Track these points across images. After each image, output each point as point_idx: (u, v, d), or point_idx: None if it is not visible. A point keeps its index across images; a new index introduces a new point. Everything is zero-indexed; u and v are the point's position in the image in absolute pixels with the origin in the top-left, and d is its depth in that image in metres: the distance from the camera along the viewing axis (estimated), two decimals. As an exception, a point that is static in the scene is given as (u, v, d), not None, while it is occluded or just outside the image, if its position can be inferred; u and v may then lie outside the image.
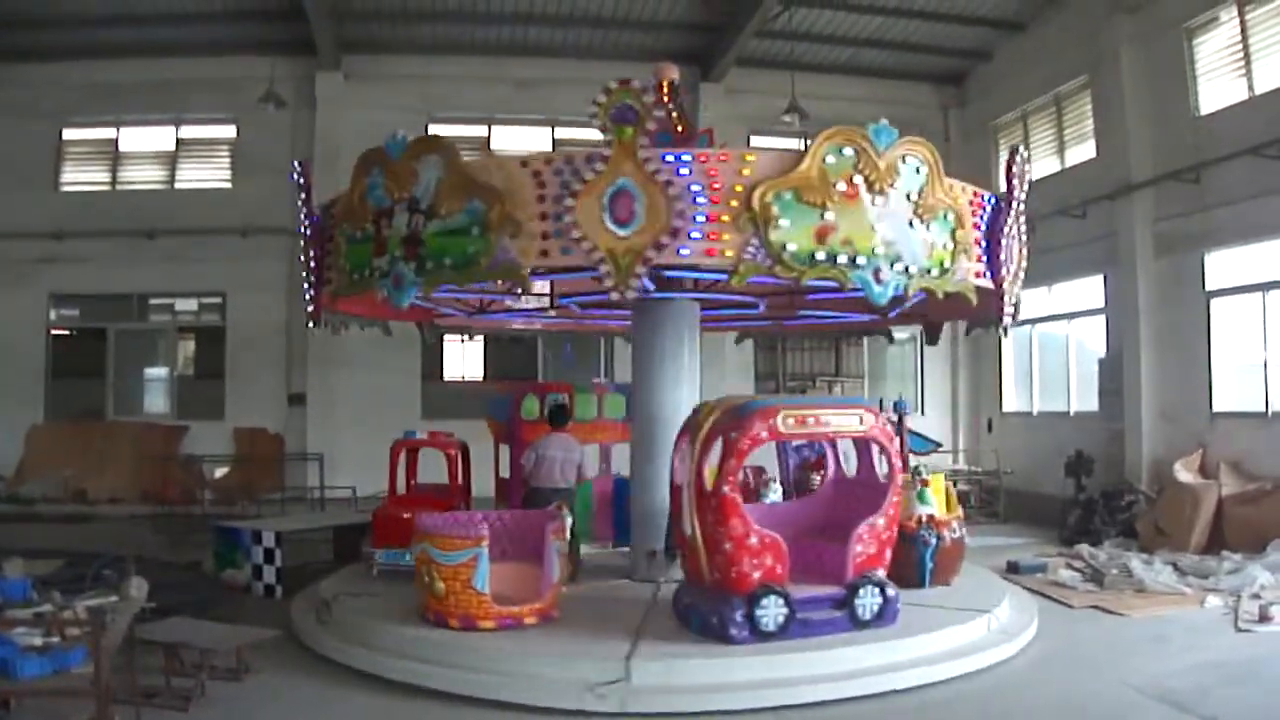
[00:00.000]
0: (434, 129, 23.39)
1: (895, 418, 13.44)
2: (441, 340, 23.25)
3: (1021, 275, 12.15)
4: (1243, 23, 16.89)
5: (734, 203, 9.34)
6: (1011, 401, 23.66)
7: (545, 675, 8.76)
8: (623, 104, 9.47)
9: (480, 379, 24.17)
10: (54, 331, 23.80)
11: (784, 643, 9.16)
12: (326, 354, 21.55)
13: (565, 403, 13.84)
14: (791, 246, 9.35)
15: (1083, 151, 21.01)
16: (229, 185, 23.72)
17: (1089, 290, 20.66)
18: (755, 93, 23.06)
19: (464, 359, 24.47)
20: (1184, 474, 16.41)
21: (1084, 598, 12.68)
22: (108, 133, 23.92)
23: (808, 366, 24.80)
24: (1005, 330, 12.59)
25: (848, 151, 9.55)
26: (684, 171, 9.34)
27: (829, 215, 9.46)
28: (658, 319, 12.26)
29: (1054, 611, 11.94)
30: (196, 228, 22.64)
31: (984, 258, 11.06)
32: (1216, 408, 17.26)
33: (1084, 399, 20.82)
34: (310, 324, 12.52)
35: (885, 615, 9.72)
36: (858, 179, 9.55)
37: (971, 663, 9.47)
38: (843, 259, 9.52)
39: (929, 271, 10.13)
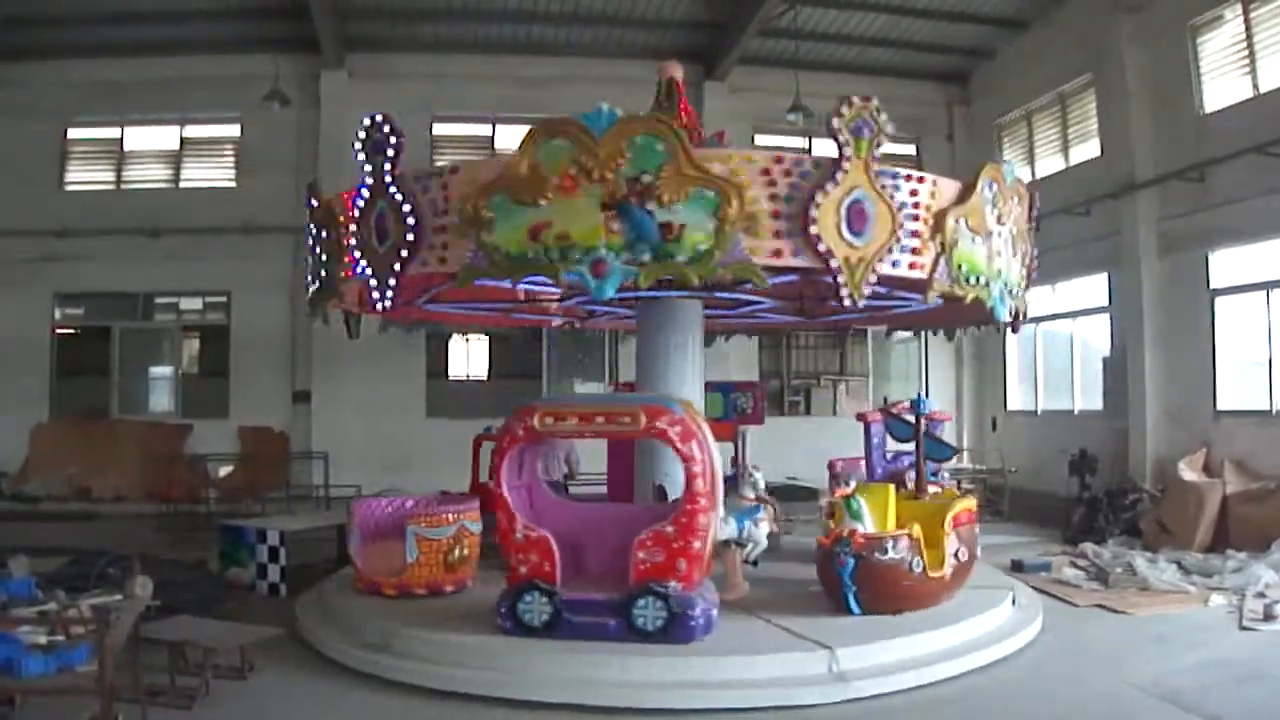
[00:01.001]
0: (438, 127, 23.50)
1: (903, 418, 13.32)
2: (446, 338, 23.30)
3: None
4: (1247, 21, 16.88)
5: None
6: (1016, 400, 23.65)
7: (547, 674, 8.80)
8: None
9: (485, 377, 24.19)
10: (59, 330, 23.80)
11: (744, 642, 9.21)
12: (331, 352, 21.53)
13: None
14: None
15: (1087, 150, 21.01)
16: (233, 184, 23.72)
17: (1093, 289, 20.67)
18: (759, 91, 23.05)
19: (468, 357, 24.45)
20: (1188, 473, 16.40)
21: (1088, 596, 12.68)
22: (112, 132, 23.92)
23: (812, 365, 24.79)
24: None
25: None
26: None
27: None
28: (662, 318, 12.27)
29: (1058, 610, 11.93)
30: (201, 226, 22.64)
31: (789, 232, 9.56)
32: (1221, 406, 17.27)
33: (1088, 398, 20.81)
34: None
35: (678, 629, 9.15)
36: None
37: (975, 660, 9.48)
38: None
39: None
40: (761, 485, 11.94)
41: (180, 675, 8.65)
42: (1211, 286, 17.55)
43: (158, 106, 23.42)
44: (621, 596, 9.26)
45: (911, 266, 9.91)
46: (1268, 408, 16.42)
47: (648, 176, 9.19)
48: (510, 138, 23.62)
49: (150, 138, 24.11)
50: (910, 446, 13.05)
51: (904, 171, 10.09)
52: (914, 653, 9.35)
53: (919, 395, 13.54)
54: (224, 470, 22.23)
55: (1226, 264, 17.41)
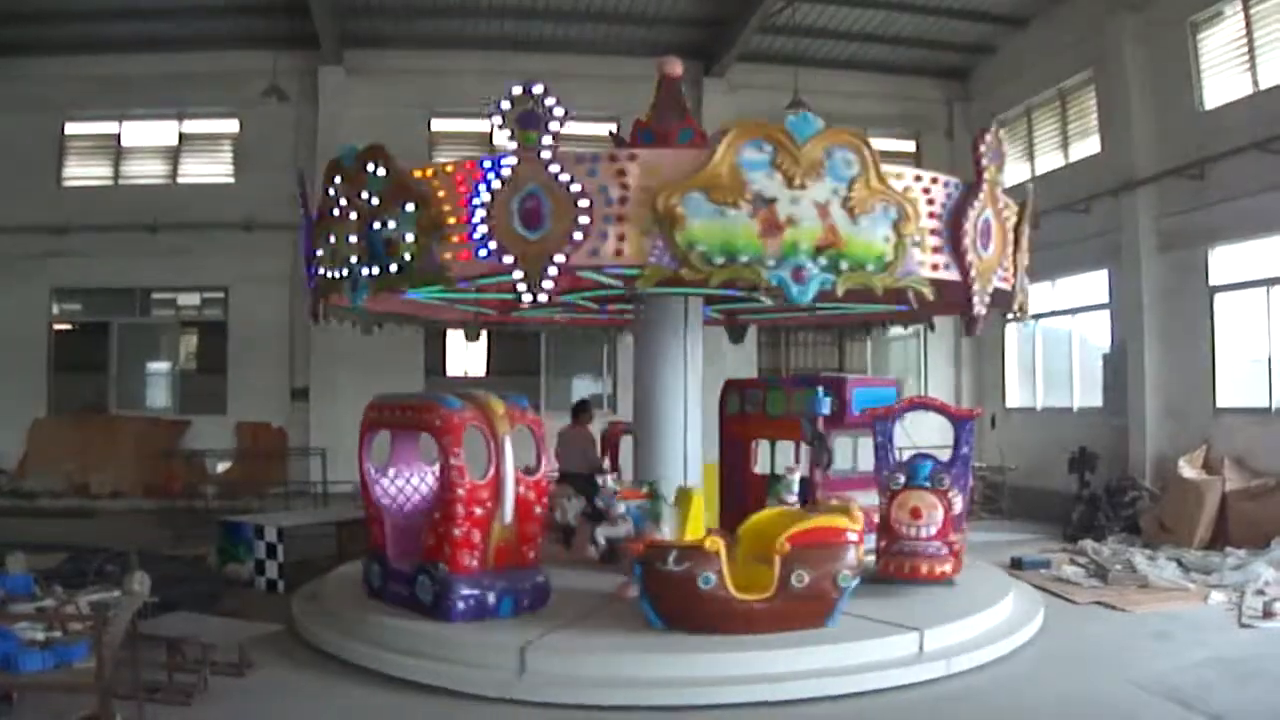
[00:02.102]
0: (436, 123, 23.49)
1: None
2: (444, 335, 23.28)
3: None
4: (1247, 17, 16.86)
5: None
6: (1015, 397, 23.62)
7: (552, 673, 8.79)
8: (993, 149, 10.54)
9: (483, 375, 24.16)
10: (56, 326, 23.81)
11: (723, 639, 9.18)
12: (329, 349, 21.50)
13: (587, 399, 16.48)
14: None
15: (1087, 146, 20.97)
16: (231, 180, 23.71)
17: (1093, 285, 20.63)
18: (758, 88, 22.98)
19: (466, 355, 24.43)
20: (1188, 470, 16.40)
21: (1088, 594, 12.68)
22: (110, 127, 23.91)
23: (811, 361, 24.77)
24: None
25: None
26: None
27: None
28: (660, 314, 12.25)
29: (1058, 607, 11.92)
30: (199, 222, 22.61)
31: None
32: (1220, 403, 17.25)
33: (1088, 394, 20.79)
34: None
35: (440, 607, 9.72)
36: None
37: (975, 658, 9.47)
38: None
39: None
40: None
41: (178, 672, 8.65)
42: (1211, 283, 17.52)
43: (156, 102, 23.43)
44: (411, 571, 10.18)
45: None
46: (1267, 405, 16.39)
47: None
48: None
49: (149, 133, 24.07)
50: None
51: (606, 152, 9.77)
52: (913, 650, 9.35)
53: (818, 393, 13.27)
54: (222, 466, 22.27)
55: (1226, 261, 17.40)
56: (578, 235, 9.10)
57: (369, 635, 9.81)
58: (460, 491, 9.68)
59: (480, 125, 23.78)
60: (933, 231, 9.96)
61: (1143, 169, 18.64)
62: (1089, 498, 17.66)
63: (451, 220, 9.58)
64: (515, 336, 22.57)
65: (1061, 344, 21.88)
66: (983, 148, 10.34)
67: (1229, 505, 15.50)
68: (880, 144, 22.48)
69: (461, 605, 9.67)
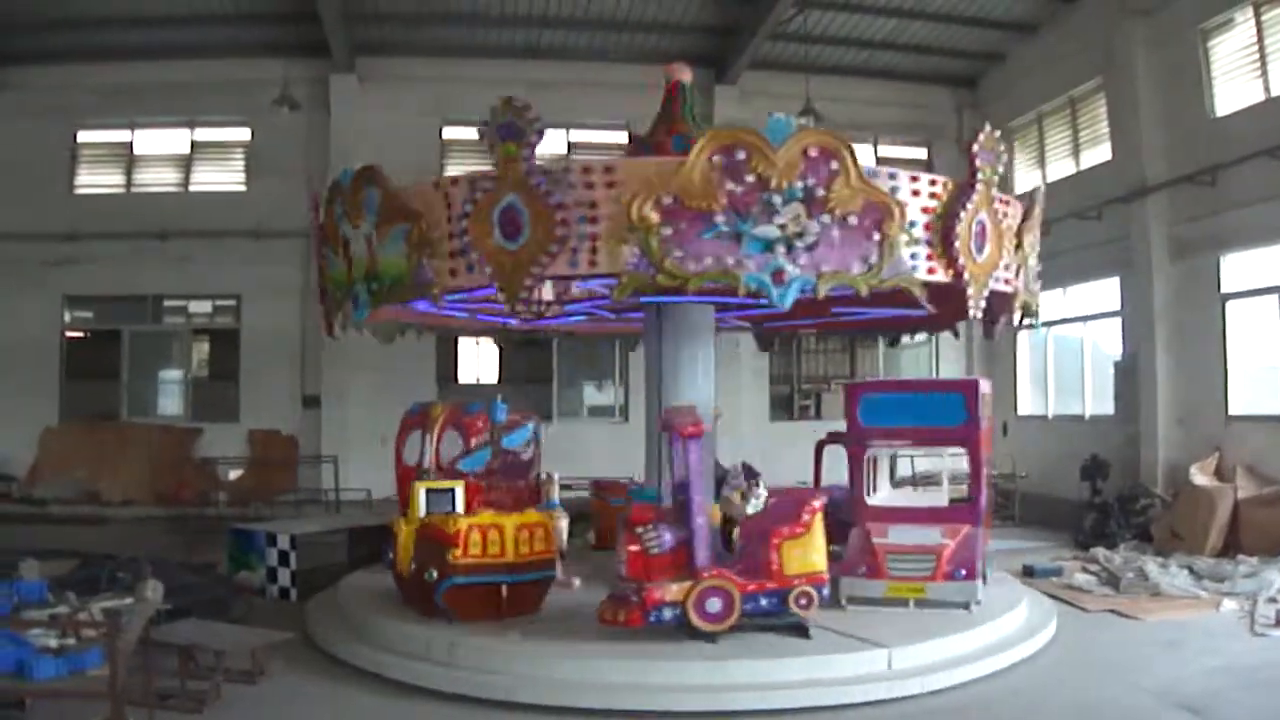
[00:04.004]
0: (448, 131, 23.53)
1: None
2: (456, 343, 23.31)
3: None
4: (1258, 24, 16.85)
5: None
6: (1027, 404, 23.60)
7: (559, 677, 8.81)
8: (989, 150, 10.44)
9: (495, 382, 24.21)
10: (68, 334, 23.88)
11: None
12: (341, 356, 21.49)
13: None
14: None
15: (1097, 154, 20.97)
16: (243, 188, 23.78)
17: (1104, 293, 20.62)
18: (769, 95, 22.93)
19: (478, 361, 24.48)
20: (1200, 477, 16.36)
21: (1099, 601, 12.64)
22: (122, 135, 24.00)
23: (822, 369, 24.79)
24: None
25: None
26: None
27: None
28: (671, 323, 12.25)
29: (1069, 615, 11.89)
30: (210, 230, 22.70)
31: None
32: (1232, 411, 17.21)
33: (1100, 402, 20.78)
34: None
35: None
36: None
37: (987, 666, 9.45)
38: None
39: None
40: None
41: (190, 679, 8.65)
42: (1223, 290, 17.50)
43: (168, 110, 23.50)
44: None
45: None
46: (1279, 412, 16.36)
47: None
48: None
49: (160, 141, 24.17)
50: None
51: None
52: (926, 659, 9.33)
53: (494, 401, 13.62)
54: (234, 474, 22.31)
55: (1238, 268, 17.36)
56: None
57: (381, 642, 9.84)
58: None
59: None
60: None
61: (1154, 176, 18.62)
62: (1101, 505, 17.61)
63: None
64: (527, 344, 22.59)
65: (1073, 351, 21.85)
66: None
67: (1241, 513, 15.45)
68: (891, 151, 22.61)
69: None
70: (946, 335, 17.13)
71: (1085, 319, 21.36)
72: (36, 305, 22.93)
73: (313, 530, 14.28)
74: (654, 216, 9.08)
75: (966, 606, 10.50)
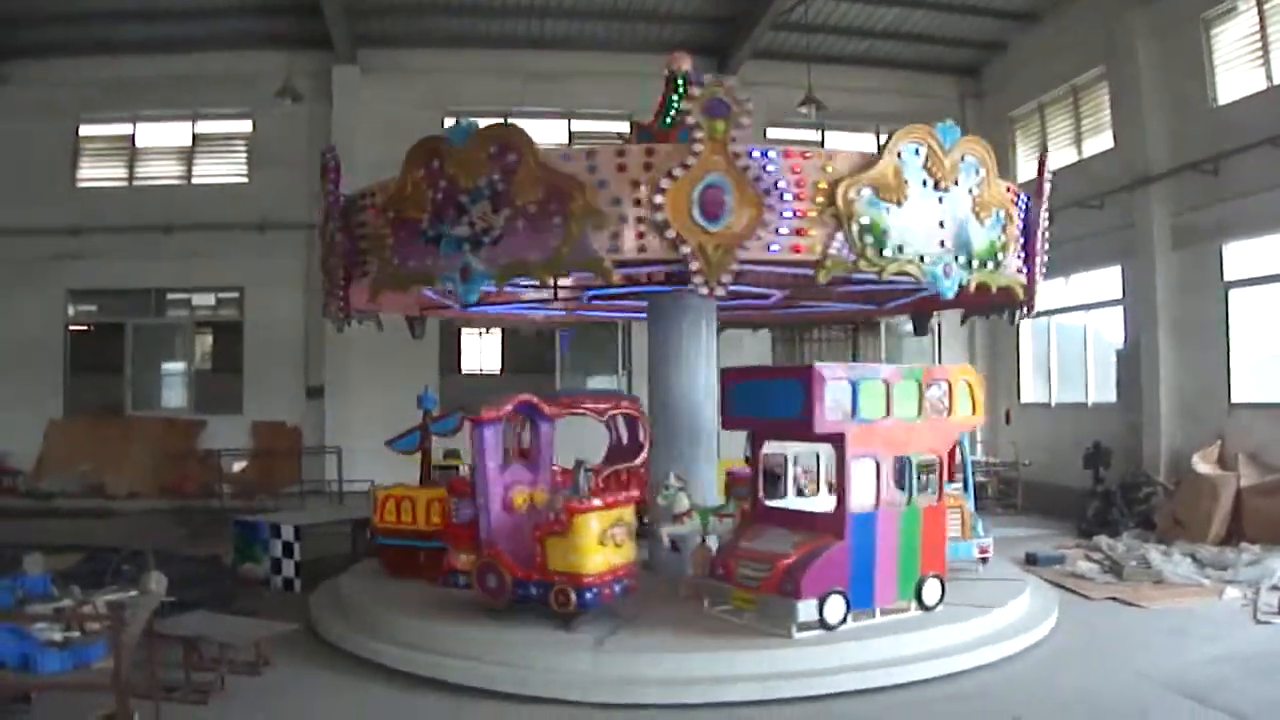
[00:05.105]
0: (450, 122, 23.46)
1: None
2: (459, 333, 23.34)
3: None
4: (1260, 13, 16.83)
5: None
6: (1029, 393, 23.61)
7: (558, 667, 8.82)
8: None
9: (498, 371, 24.24)
10: (72, 327, 23.95)
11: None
12: (344, 348, 21.50)
13: None
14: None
15: (1100, 143, 20.95)
16: (246, 180, 23.83)
17: (1107, 281, 20.61)
18: (771, 85, 22.93)
19: (481, 352, 24.50)
20: (1202, 465, 16.37)
21: (1102, 589, 12.65)
22: (124, 128, 24.07)
23: (825, 357, 24.76)
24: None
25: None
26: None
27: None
28: (674, 311, 12.24)
29: (1072, 603, 11.91)
30: (213, 223, 22.72)
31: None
32: (1235, 399, 17.22)
33: (1102, 390, 20.78)
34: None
35: None
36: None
37: (989, 654, 9.46)
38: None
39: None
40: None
41: (195, 671, 8.67)
42: (1226, 279, 17.49)
43: (170, 103, 23.57)
44: None
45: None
46: (1282, 400, 16.40)
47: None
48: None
49: (163, 134, 24.24)
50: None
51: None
52: (930, 646, 9.34)
53: (424, 391, 14.02)
54: (238, 466, 22.33)
55: (1241, 256, 17.35)
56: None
57: (386, 632, 9.85)
58: None
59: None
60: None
61: (1156, 165, 18.61)
62: (1103, 493, 17.61)
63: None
64: (530, 334, 22.66)
65: (1076, 340, 21.85)
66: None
67: (1244, 501, 15.47)
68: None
69: None
70: (950, 325, 17.12)
71: (1088, 307, 21.35)
72: (40, 300, 22.99)
73: (317, 521, 14.36)
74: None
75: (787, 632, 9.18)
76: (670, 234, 9.23)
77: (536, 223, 9.37)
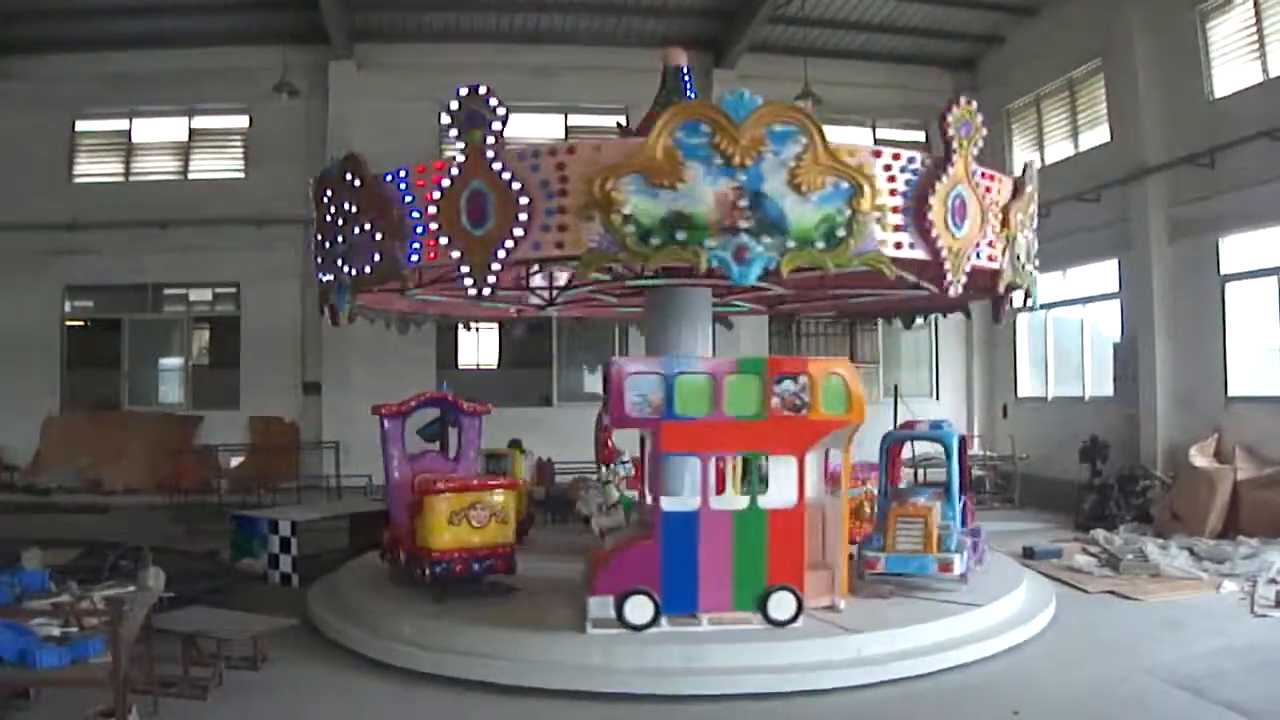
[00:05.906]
0: (446, 117, 23.45)
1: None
2: (456, 328, 23.30)
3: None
4: (1256, 6, 16.80)
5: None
6: (1026, 386, 23.61)
7: (557, 661, 8.84)
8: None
9: (495, 366, 24.24)
10: (69, 323, 23.94)
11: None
12: (341, 343, 21.52)
13: None
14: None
15: (1096, 136, 20.93)
16: (242, 175, 23.80)
17: (1103, 275, 20.61)
18: (768, 79, 22.82)
19: (478, 347, 24.49)
20: (1199, 459, 16.38)
21: (1099, 583, 12.66)
22: (121, 124, 24.02)
23: (822, 351, 24.74)
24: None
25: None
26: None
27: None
28: (670, 306, 12.25)
29: (1069, 597, 11.93)
30: (210, 218, 22.72)
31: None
32: (1232, 392, 17.22)
33: (1099, 384, 20.78)
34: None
35: None
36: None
37: (987, 648, 9.48)
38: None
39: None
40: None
41: (193, 666, 8.66)
42: (1222, 272, 17.49)
43: (166, 98, 23.54)
44: None
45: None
46: (1279, 393, 16.37)
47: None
48: (520, 127, 23.67)
49: (159, 129, 24.23)
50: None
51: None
52: (925, 641, 9.35)
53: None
54: (235, 461, 22.34)
55: (1237, 249, 17.35)
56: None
57: (383, 628, 9.85)
58: None
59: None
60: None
61: (1153, 158, 18.60)
62: (1100, 487, 17.62)
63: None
64: (528, 328, 22.62)
65: (1072, 333, 21.85)
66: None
67: (1241, 494, 15.48)
68: (889, 134, 22.56)
69: None
70: (949, 319, 17.10)
71: (1084, 301, 21.35)
72: (37, 295, 22.97)
73: (314, 516, 14.35)
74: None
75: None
76: (443, 240, 9.74)
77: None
